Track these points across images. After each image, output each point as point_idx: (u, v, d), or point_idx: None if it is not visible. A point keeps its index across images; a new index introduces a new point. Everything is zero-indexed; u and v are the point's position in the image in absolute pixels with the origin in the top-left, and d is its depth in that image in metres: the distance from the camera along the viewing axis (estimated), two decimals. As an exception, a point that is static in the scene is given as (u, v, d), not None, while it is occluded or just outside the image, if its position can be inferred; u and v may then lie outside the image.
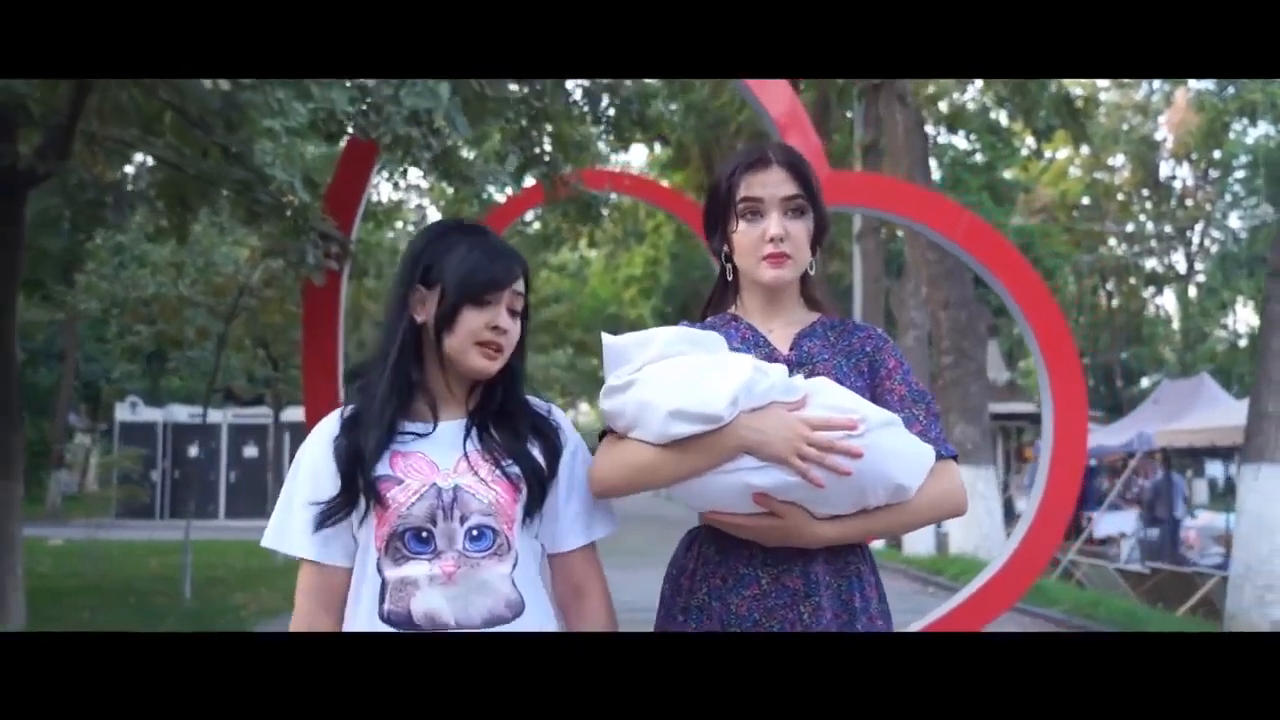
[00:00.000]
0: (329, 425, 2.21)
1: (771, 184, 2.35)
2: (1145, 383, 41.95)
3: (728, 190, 2.39)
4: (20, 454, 8.29)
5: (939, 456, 2.27)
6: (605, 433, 2.31)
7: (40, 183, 8.28)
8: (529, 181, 9.05)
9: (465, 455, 2.17)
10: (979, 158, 31.30)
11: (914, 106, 16.42)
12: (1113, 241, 43.99)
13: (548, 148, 7.90)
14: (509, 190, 6.92)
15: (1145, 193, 45.14)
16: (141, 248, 13.57)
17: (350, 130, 6.31)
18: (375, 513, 2.10)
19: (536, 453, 2.21)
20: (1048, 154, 41.14)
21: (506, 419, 2.23)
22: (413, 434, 2.17)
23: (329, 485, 2.13)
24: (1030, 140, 33.10)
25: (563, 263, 40.66)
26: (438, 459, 2.15)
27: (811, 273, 2.44)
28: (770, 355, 2.38)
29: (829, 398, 2.20)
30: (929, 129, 25.76)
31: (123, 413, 26.77)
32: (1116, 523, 19.89)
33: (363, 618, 2.11)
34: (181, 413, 26.61)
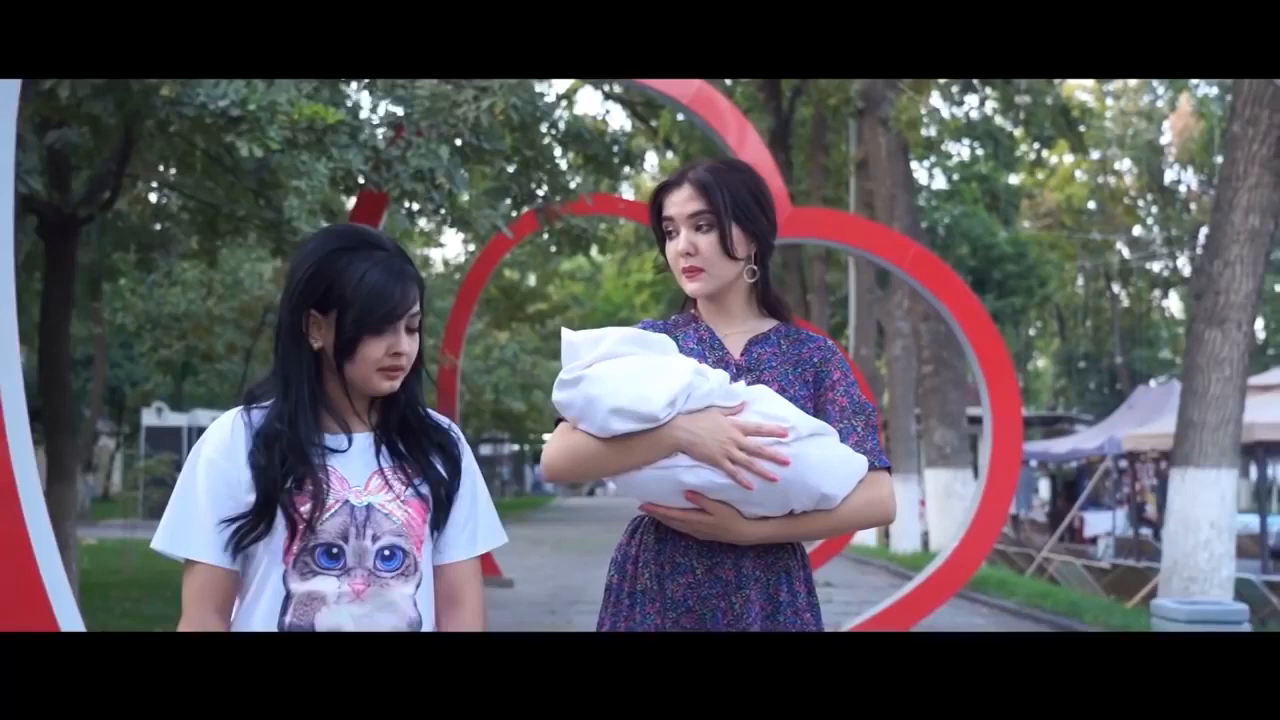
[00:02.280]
0: (232, 436, 2.12)
1: (679, 202, 2.45)
2: (1153, 385, 42.52)
3: (655, 211, 2.53)
4: (74, 460, 9.32)
5: (873, 467, 2.38)
6: (559, 420, 2.40)
7: (88, 223, 9.32)
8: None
9: (380, 471, 2.16)
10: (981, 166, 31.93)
11: (894, 131, 17.29)
12: (1119, 245, 44.48)
13: (538, 190, 8.90)
14: (501, 226, 7.88)
15: (1150, 197, 45.62)
16: (173, 268, 14.65)
17: (362, 182, 7.34)
18: (286, 527, 2.07)
19: (440, 468, 2.21)
20: (1053, 159, 41.80)
21: (411, 435, 2.21)
22: (325, 448, 2.13)
23: (242, 497, 2.07)
24: (1030, 147, 33.98)
25: (575, 268, 41.29)
26: (349, 475, 2.13)
27: (749, 280, 2.50)
28: (723, 358, 2.47)
29: (765, 405, 2.30)
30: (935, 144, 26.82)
31: (149, 418, 27.56)
32: (1103, 522, 20.81)
33: (258, 626, 2.08)
34: (204, 417, 27.47)
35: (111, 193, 8.92)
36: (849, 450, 2.35)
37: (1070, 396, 49.86)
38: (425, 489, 2.17)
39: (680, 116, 20.02)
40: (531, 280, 39.00)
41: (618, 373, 2.28)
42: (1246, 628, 7.38)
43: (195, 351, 17.88)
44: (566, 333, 2.42)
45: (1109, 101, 41.35)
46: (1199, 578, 9.79)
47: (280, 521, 2.06)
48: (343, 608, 2.07)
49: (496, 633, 2.17)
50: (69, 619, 3.95)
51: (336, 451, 2.13)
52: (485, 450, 50.46)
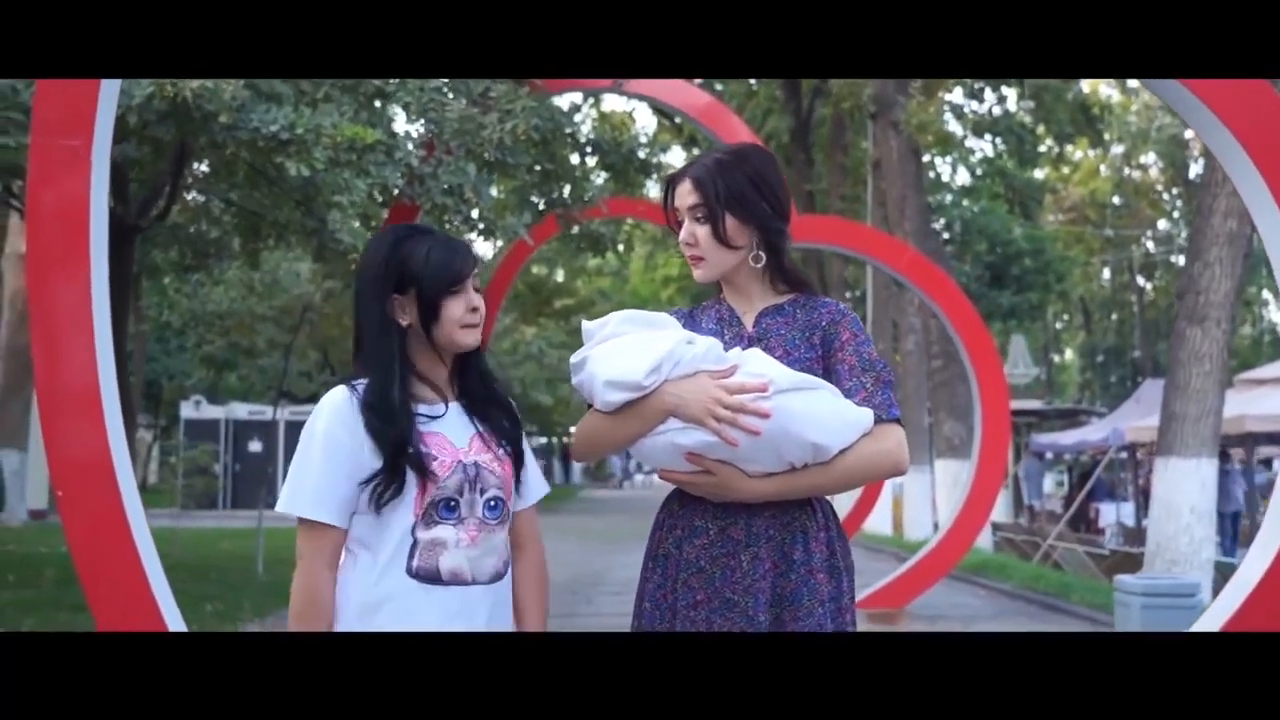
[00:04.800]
0: (348, 409, 2.37)
1: (680, 195, 2.58)
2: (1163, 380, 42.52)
3: (667, 203, 2.65)
4: (134, 453, 10.06)
5: (881, 420, 2.43)
6: (589, 407, 2.54)
7: (144, 231, 10.08)
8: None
9: (478, 434, 2.47)
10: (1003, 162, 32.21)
11: (905, 133, 17.86)
12: (1144, 239, 44.60)
13: (558, 198, 9.61)
14: (523, 233, 8.59)
15: (1176, 191, 45.72)
16: (221, 270, 15.45)
17: (397, 194, 8.05)
18: (417, 484, 2.35)
19: (510, 428, 2.55)
20: (1077, 154, 42.05)
21: (489, 401, 2.53)
22: (426, 415, 2.42)
23: (365, 462, 2.33)
24: (1052, 143, 34.34)
25: (602, 263, 41.58)
26: (453, 437, 2.43)
27: (755, 265, 2.58)
28: (739, 332, 2.58)
29: (753, 365, 2.38)
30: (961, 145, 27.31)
31: (187, 410, 27.89)
32: (1115, 513, 21.34)
33: (383, 571, 2.35)
34: (241, 410, 28.04)
35: (166, 202, 9.67)
36: (847, 404, 2.41)
37: (1095, 390, 50.09)
38: (509, 448, 2.51)
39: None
40: (559, 276, 39.53)
41: (612, 350, 2.44)
42: (1204, 600, 8.03)
43: (238, 348, 18.72)
44: (585, 322, 2.57)
45: (1133, 96, 41.52)
46: (1180, 560, 10.41)
47: (411, 479, 2.34)
48: (460, 551, 2.38)
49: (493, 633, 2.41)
50: (164, 597, 4.41)
51: (436, 418, 2.43)
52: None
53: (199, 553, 15.51)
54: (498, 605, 2.46)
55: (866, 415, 2.41)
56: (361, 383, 2.40)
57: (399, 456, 2.33)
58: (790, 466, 2.38)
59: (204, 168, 10.34)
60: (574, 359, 2.52)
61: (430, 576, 2.35)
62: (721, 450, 2.34)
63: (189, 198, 11.39)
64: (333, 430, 2.35)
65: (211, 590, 11.73)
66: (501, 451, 2.48)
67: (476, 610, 2.40)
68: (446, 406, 2.46)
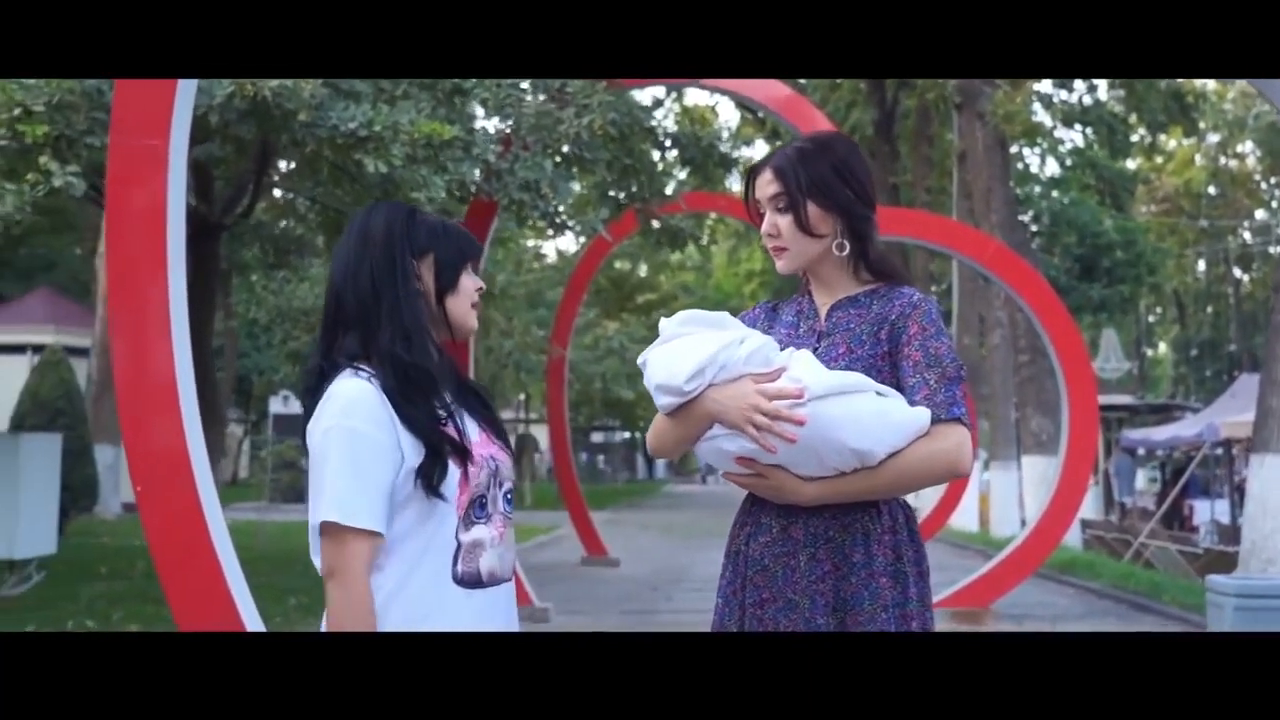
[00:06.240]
0: (375, 402, 2.16)
1: (761, 185, 2.52)
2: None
3: (748, 194, 2.61)
4: (215, 447, 10.22)
5: (939, 420, 2.33)
6: None
7: (229, 229, 10.24)
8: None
9: (483, 426, 2.32)
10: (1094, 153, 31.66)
11: (992, 124, 17.57)
12: (1241, 230, 43.69)
13: (636, 193, 9.59)
14: (600, 229, 8.60)
15: (1274, 180, 44.70)
16: (305, 267, 15.66)
17: (474, 191, 8.07)
18: (459, 481, 2.19)
19: (499, 421, 2.43)
20: (1171, 144, 41.23)
21: (475, 393, 2.40)
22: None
23: (405, 460, 2.14)
24: (1145, 132, 33.70)
25: (685, 257, 41.59)
26: (469, 431, 2.26)
27: (839, 254, 2.51)
28: (813, 326, 2.53)
29: (795, 369, 2.34)
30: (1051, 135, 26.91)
31: (276, 405, 28.40)
32: (1209, 510, 20.85)
33: (427, 577, 2.17)
34: (329, 405, 28.54)
35: (250, 200, 9.81)
36: (895, 404, 2.34)
37: (1190, 384, 49.11)
38: (504, 438, 2.38)
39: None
40: (642, 271, 39.60)
41: (667, 352, 2.40)
42: (1300, 603, 7.76)
43: (323, 344, 18.96)
44: (662, 320, 2.53)
45: (1228, 84, 40.59)
46: (1277, 559, 10.12)
47: (453, 472, 2.16)
48: (494, 551, 2.23)
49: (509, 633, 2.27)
50: (240, 592, 4.53)
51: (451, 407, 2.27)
52: (597, 438, 51.25)
53: (285, 545, 15.71)
54: (513, 602, 2.35)
55: (920, 416, 2.33)
56: (368, 368, 2.20)
57: (439, 440, 2.17)
58: (837, 471, 2.32)
59: (289, 165, 10.45)
60: (639, 360, 2.49)
61: (473, 581, 2.21)
62: (767, 455, 2.30)
63: (276, 195, 11.54)
64: (369, 430, 2.14)
65: (296, 583, 11.87)
66: (502, 442, 2.35)
67: (506, 609, 2.30)
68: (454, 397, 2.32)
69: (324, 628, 2.16)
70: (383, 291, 2.23)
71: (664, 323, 2.49)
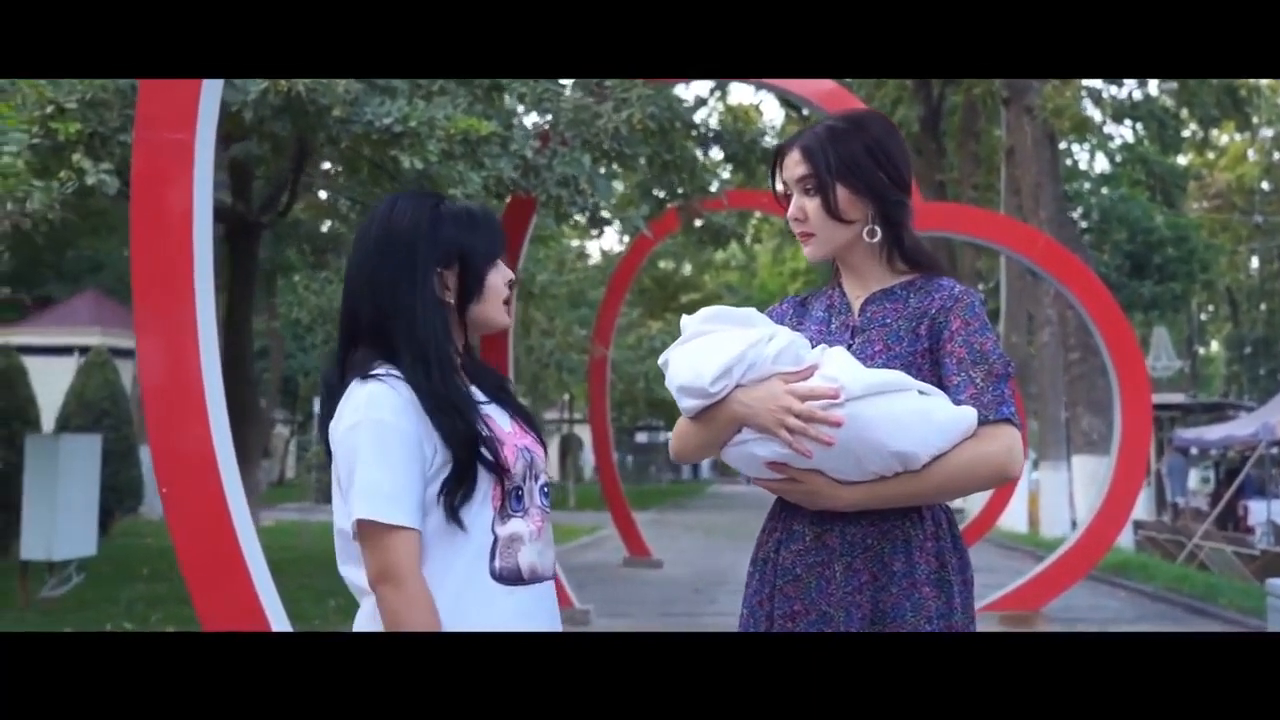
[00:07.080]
0: (404, 401, 2.07)
1: (789, 166, 2.36)
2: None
3: (774, 176, 2.44)
4: (256, 447, 10.19)
5: (986, 420, 2.18)
6: None
7: (268, 228, 10.19)
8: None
9: (516, 419, 2.25)
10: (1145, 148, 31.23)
11: (1040, 119, 17.30)
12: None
13: (679, 190, 9.45)
14: (641, 226, 8.47)
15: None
16: (334, 263, 15.66)
17: (512, 188, 7.96)
18: (492, 476, 2.11)
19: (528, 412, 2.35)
20: (1223, 138, 40.64)
21: (500, 386, 2.31)
22: (478, 402, 2.19)
23: (437, 458, 2.07)
24: (1197, 127, 33.22)
25: (729, 256, 41.40)
26: (502, 423, 2.19)
27: (870, 241, 2.34)
28: (845, 320, 2.37)
29: (829, 367, 2.19)
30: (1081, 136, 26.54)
31: (319, 406, 28.87)
32: (1266, 511, 20.45)
33: (463, 575, 2.08)
34: (373, 406, 28.65)
35: (289, 199, 9.75)
36: (939, 404, 2.19)
37: (1243, 383, 48.39)
38: (537, 430, 2.30)
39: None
40: (686, 270, 39.45)
41: (690, 352, 2.27)
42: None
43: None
44: (684, 319, 2.40)
45: (1281, 78, 39.91)
46: (1337, 562, 9.84)
47: (485, 472, 2.08)
48: (532, 546, 2.14)
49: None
50: (267, 594, 4.48)
51: (483, 403, 2.20)
52: (641, 438, 51.14)
53: (327, 545, 15.51)
54: (555, 601, 2.24)
55: (965, 416, 2.17)
56: (392, 374, 2.10)
57: (472, 453, 2.08)
58: (877, 476, 2.17)
59: (328, 164, 10.39)
60: (660, 360, 2.36)
61: (513, 577, 2.11)
62: (801, 459, 2.16)
63: (321, 196, 11.48)
64: (397, 421, 2.05)
65: (337, 584, 11.73)
66: (535, 434, 2.27)
67: (550, 608, 2.19)
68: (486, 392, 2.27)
69: (358, 629, 2.12)
70: (401, 303, 2.15)
71: (686, 320, 2.35)
